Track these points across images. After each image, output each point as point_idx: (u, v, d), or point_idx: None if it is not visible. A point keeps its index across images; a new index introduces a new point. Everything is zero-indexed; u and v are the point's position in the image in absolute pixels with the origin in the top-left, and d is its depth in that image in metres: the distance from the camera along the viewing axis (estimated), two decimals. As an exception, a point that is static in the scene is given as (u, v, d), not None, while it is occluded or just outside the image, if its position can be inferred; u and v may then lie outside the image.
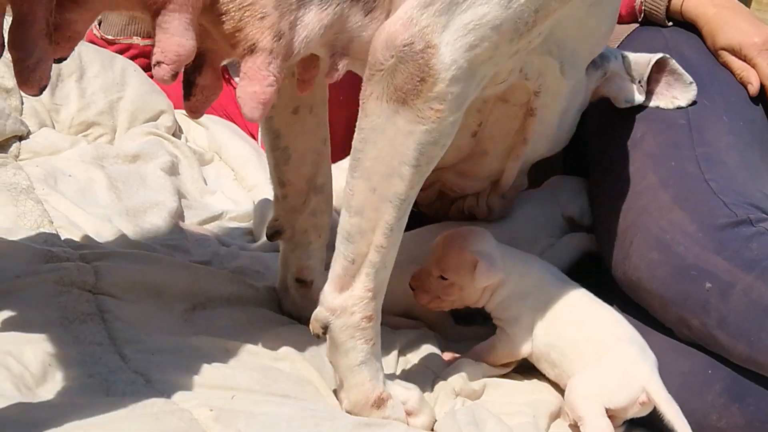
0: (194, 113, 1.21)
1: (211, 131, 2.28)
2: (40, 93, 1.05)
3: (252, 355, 1.34)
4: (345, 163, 1.53)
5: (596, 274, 1.63)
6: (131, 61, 2.28)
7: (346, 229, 1.23)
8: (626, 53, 1.66)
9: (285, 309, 1.55)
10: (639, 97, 1.65)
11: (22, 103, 2.03)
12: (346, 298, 1.25)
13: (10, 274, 1.37)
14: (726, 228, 1.43)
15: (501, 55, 1.25)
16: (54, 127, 2.09)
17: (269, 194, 2.03)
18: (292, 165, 1.48)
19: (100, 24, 2.41)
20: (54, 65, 1.07)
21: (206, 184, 2.14)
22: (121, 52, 2.33)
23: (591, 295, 1.47)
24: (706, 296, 1.39)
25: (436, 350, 1.54)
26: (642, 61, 1.65)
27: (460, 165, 1.62)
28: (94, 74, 2.16)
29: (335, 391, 1.32)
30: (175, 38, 1.08)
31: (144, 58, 2.36)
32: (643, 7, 1.84)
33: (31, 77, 1.02)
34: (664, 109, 1.65)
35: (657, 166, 1.57)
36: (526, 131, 1.56)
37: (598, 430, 1.32)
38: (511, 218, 1.71)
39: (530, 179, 1.77)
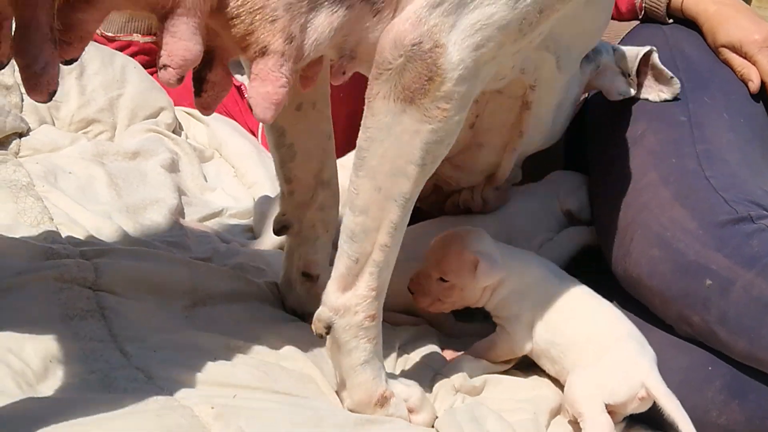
0: (206, 110, 1.21)
1: (212, 128, 2.28)
2: (50, 99, 1.05)
3: (254, 352, 1.34)
4: (344, 160, 1.53)
5: (596, 270, 1.63)
6: (131, 58, 2.28)
7: (351, 228, 1.23)
8: (617, 46, 1.67)
9: (288, 305, 1.55)
10: (630, 90, 1.66)
11: (22, 100, 2.03)
12: (350, 298, 1.25)
13: (10, 271, 1.37)
14: (726, 225, 1.43)
15: (504, 55, 1.25)
16: (54, 124, 2.09)
17: (269, 191, 2.04)
18: (298, 161, 1.48)
19: (100, 21, 2.41)
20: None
21: (206, 181, 2.14)
22: (121, 49, 2.32)
23: (590, 291, 1.47)
24: (706, 293, 1.39)
25: (436, 347, 1.54)
26: (631, 54, 1.66)
27: (456, 157, 1.62)
28: (94, 71, 2.16)
29: (336, 391, 1.32)
30: (183, 42, 1.08)
31: (144, 55, 2.36)
32: (643, 5, 1.85)
33: (39, 83, 1.02)
34: (664, 106, 1.65)
35: (658, 163, 1.57)
36: (522, 124, 1.57)
37: (598, 425, 1.32)
38: (508, 212, 1.71)
39: (531, 175, 1.77)
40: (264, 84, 1.14)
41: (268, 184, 2.11)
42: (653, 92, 1.67)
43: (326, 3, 1.15)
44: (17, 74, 2.03)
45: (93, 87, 2.14)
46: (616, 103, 1.70)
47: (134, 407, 1.10)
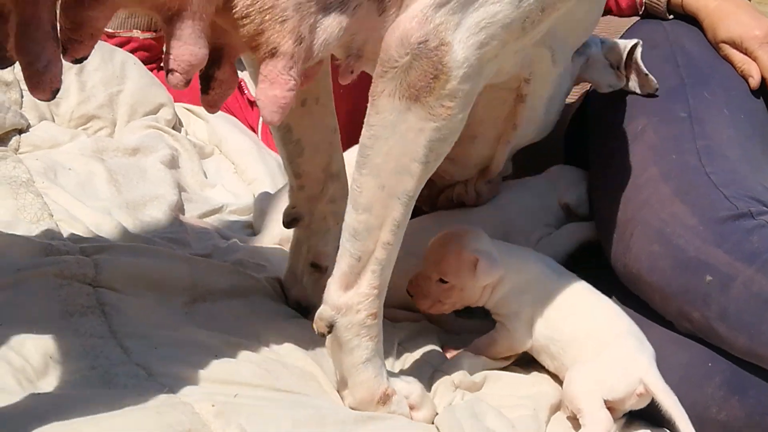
0: (212, 107, 1.21)
1: (211, 124, 2.28)
2: (53, 97, 1.04)
3: (255, 349, 1.34)
4: (346, 155, 1.53)
5: (596, 265, 1.63)
6: (131, 54, 2.28)
7: (353, 227, 1.23)
8: (605, 39, 1.67)
9: (292, 298, 1.55)
10: (619, 82, 1.67)
11: (22, 97, 2.03)
12: (352, 296, 1.25)
13: (10, 268, 1.37)
14: (727, 221, 1.43)
15: (506, 53, 1.26)
16: (54, 121, 2.09)
17: (269, 187, 2.04)
18: (306, 156, 1.48)
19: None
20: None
21: (206, 178, 2.14)
22: (120, 45, 2.32)
23: (589, 286, 1.47)
24: (706, 289, 1.39)
25: (435, 343, 1.54)
26: (618, 47, 1.66)
27: (450, 151, 1.62)
28: (93, 67, 2.15)
29: (337, 389, 1.32)
30: (188, 47, 1.08)
31: (144, 51, 2.35)
32: (644, 0, 1.84)
33: (42, 81, 1.02)
34: (664, 101, 1.65)
35: (658, 158, 1.56)
36: (516, 117, 1.57)
37: (597, 421, 1.32)
38: (505, 206, 1.71)
39: (531, 170, 1.77)
40: (272, 87, 1.14)
41: (268, 181, 2.11)
42: (634, 85, 1.68)
43: (335, 3, 1.15)
44: (17, 71, 2.03)
45: (93, 83, 2.14)
46: (616, 99, 1.69)
47: (134, 404, 1.10)
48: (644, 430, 1.39)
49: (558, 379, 1.45)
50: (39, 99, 1.06)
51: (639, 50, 1.65)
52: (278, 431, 1.14)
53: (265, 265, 1.70)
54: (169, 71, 1.09)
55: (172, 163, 2.05)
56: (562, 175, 1.76)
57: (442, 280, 1.46)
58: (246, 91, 2.33)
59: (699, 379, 1.39)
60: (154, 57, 2.39)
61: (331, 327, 1.25)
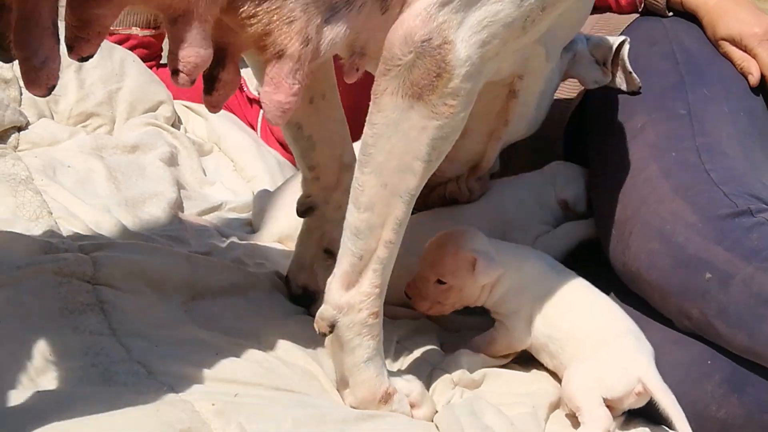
0: (215, 108, 1.21)
1: (211, 122, 2.27)
2: (49, 93, 1.04)
3: (255, 348, 1.34)
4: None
5: (595, 263, 1.63)
6: (130, 52, 2.27)
7: (355, 225, 1.23)
8: (590, 35, 1.68)
9: (299, 283, 1.55)
10: (605, 78, 1.67)
11: (21, 94, 2.03)
12: (353, 295, 1.25)
13: (9, 265, 1.37)
14: (726, 218, 1.43)
15: (506, 51, 1.26)
16: (53, 118, 2.09)
17: (268, 185, 2.04)
18: (319, 150, 1.49)
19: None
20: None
21: (205, 175, 2.14)
22: (119, 42, 2.32)
23: (588, 284, 1.47)
24: (706, 286, 1.39)
25: (434, 341, 1.54)
26: (605, 44, 1.66)
27: None
28: (92, 65, 2.15)
29: (337, 388, 1.32)
30: (193, 48, 1.08)
31: (143, 49, 2.35)
32: (643, -3, 1.84)
33: (38, 77, 1.02)
34: (664, 99, 1.65)
35: (657, 156, 1.56)
36: (508, 112, 1.57)
37: (596, 419, 1.32)
38: (502, 205, 1.71)
39: (530, 167, 1.77)
40: (277, 91, 1.15)
41: (267, 178, 2.11)
42: (620, 83, 1.68)
43: (342, 2, 1.15)
44: (16, 68, 2.02)
45: (92, 80, 2.14)
46: (615, 97, 1.69)
47: (134, 402, 1.11)
48: (643, 427, 1.39)
49: (557, 378, 1.45)
50: (35, 95, 1.06)
51: (626, 47, 1.65)
52: (278, 430, 1.14)
53: (263, 262, 1.70)
54: (174, 71, 1.10)
55: (171, 161, 2.05)
56: (559, 172, 1.75)
57: (440, 281, 1.46)
58: (245, 89, 2.33)
59: (698, 377, 1.39)
60: (153, 54, 2.39)
61: (332, 326, 1.25)
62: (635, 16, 1.87)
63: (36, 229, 1.57)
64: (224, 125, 2.26)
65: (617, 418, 1.37)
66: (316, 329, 1.27)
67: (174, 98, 2.28)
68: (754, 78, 1.70)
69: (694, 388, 1.38)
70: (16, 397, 1.09)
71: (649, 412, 1.37)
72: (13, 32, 1.01)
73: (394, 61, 1.18)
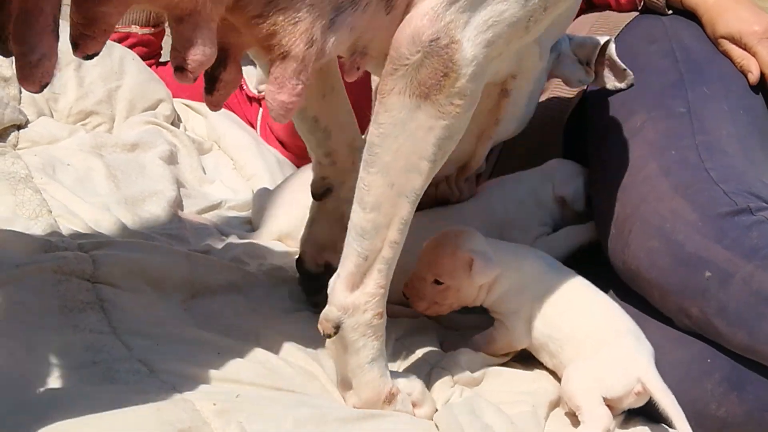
0: (215, 107, 1.21)
1: (210, 120, 2.27)
2: (41, 90, 1.04)
3: (256, 347, 1.34)
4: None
5: (594, 262, 1.63)
6: (129, 50, 2.27)
7: (361, 226, 1.23)
8: (572, 35, 1.68)
9: (316, 264, 1.55)
10: (588, 78, 1.68)
11: (21, 92, 2.03)
12: (358, 296, 1.24)
13: (8, 264, 1.37)
14: (726, 217, 1.42)
15: (509, 51, 1.27)
16: (52, 116, 2.08)
17: (268, 183, 2.04)
18: (334, 138, 1.50)
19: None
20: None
21: (205, 173, 2.14)
22: (119, 40, 2.31)
23: (588, 283, 1.47)
24: (705, 285, 1.39)
25: (434, 339, 1.54)
26: (589, 43, 1.67)
27: None
28: (92, 63, 2.15)
29: (339, 389, 1.32)
30: (198, 47, 1.08)
31: (142, 47, 2.35)
32: (643, -5, 1.84)
33: (33, 73, 1.01)
34: (663, 97, 1.65)
35: (657, 154, 1.56)
36: (500, 111, 1.58)
37: (596, 418, 1.32)
38: (500, 203, 1.71)
39: (529, 166, 1.76)
40: (281, 91, 1.15)
41: (267, 177, 2.11)
42: (609, 82, 1.70)
43: (347, 2, 1.15)
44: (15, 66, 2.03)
45: (91, 79, 2.14)
46: (615, 96, 1.69)
47: (136, 400, 1.10)
48: (643, 426, 1.39)
49: (557, 376, 1.45)
50: (27, 90, 1.06)
51: (612, 46, 1.65)
52: (279, 430, 1.14)
53: (263, 261, 1.70)
54: (177, 69, 1.09)
55: (171, 159, 2.05)
56: (557, 169, 1.75)
57: (437, 282, 1.45)
58: (245, 87, 2.32)
59: (698, 376, 1.39)
60: (152, 52, 2.39)
61: (337, 328, 1.25)
62: (635, 14, 1.87)
63: (35, 228, 1.57)
64: (224, 124, 2.26)
65: (617, 417, 1.37)
66: (321, 330, 1.26)
67: (173, 96, 2.28)
68: (754, 76, 1.70)
69: (694, 386, 1.38)
70: (18, 396, 1.09)
71: (649, 411, 1.37)
72: (13, 25, 1.01)
73: (401, 61, 1.18)
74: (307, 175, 1.63)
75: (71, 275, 1.38)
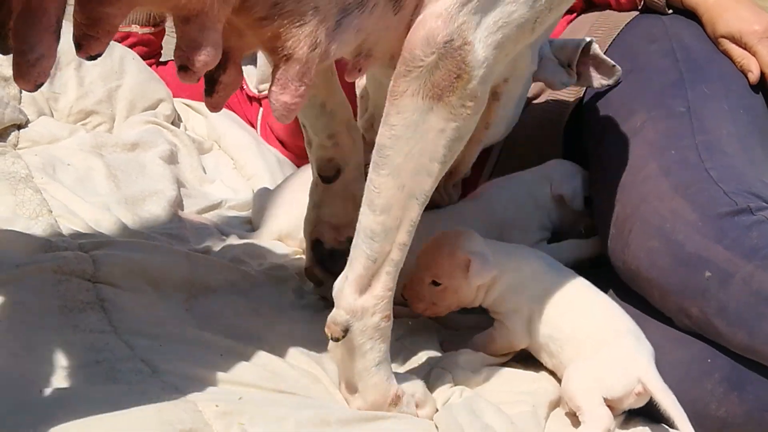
0: (215, 108, 1.21)
1: (211, 120, 2.27)
2: (35, 89, 1.04)
3: (258, 348, 1.34)
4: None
5: (594, 262, 1.63)
6: (130, 50, 2.27)
7: (371, 228, 1.23)
8: (552, 39, 1.68)
9: (338, 241, 1.55)
10: (571, 80, 1.68)
11: (21, 92, 2.03)
12: (367, 299, 1.24)
13: (8, 264, 1.38)
14: (726, 217, 1.42)
15: (513, 53, 1.27)
16: (52, 116, 2.09)
17: (268, 183, 2.04)
18: (337, 119, 1.50)
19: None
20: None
21: (205, 173, 2.14)
22: (119, 40, 2.31)
23: (588, 284, 1.47)
24: (705, 285, 1.39)
25: (434, 339, 1.54)
26: (569, 45, 1.67)
27: None
28: (92, 63, 2.14)
29: (343, 393, 1.31)
30: (204, 48, 1.08)
31: (142, 47, 2.35)
32: (643, -5, 1.84)
33: (29, 72, 1.01)
34: (663, 97, 1.65)
35: (657, 154, 1.56)
36: (490, 115, 1.58)
37: (597, 419, 1.32)
38: (499, 204, 1.70)
39: (529, 167, 1.76)
40: (283, 92, 1.15)
41: (267, 176, 2.11)
42: (595, 81, 1.70)
43: (354, 4, 1.14)
44: (15, 66, 2.03)
45: (91, 78, 2.14)
46: (615, 95, 1.69)
47: (138, 401, 1.10)
48: (643, 427, 1.39)
49: (557, 376, 1.45)
50: (20, 87, 1.06)
51: (595, 46, 1.66)
52: (281, 432, 1.14)
53: (263, 261, 1.70)
54: (181, 68, 1.09)
55: (171, 159, 2.05)
56: (556, 169, 1.75)
57: (435, 283, 1.45)
58: (245, 87, 2.32)
59: (698, 376, 1.39)
60: (152, 52, 2.39)
61: (346, 331, 1.24)
62: (635, 13, 1.87)
63: (36, 228, 1.57)
64: (224, 123, 2.26)
65: (617, 418, 1.36)
66: (328, 334, 1.25)
67: (174, 96, 2.28)
68: (754, 75, 1.70)
69: (694, 386, 1.38)
70: (19, 396, 1.09)
71: (650, 411, 1.37)
72: (13, 21, 1.00)
73: (415, 63, 1.18)
74: (307, 175, 1.63)
75: (71, 275, 1.38)
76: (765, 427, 1.35)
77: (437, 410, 1.31)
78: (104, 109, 2.14)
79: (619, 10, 1.91)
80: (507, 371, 1.46)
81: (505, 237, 1.62)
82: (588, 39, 1.67)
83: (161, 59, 2.43)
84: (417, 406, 1.30)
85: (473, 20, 1.18)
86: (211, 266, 1.56)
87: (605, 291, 1.50)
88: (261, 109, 2.31)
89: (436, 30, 1.17)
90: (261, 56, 2.13)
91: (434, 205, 1.69)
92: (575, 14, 1.98)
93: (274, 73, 1.16)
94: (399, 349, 1.48)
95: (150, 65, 2.32)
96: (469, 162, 1.66)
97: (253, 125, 2.33)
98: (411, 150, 1.20)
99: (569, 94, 1.81)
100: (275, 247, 1.79)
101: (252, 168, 2.15)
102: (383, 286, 1.24)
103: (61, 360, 1.20)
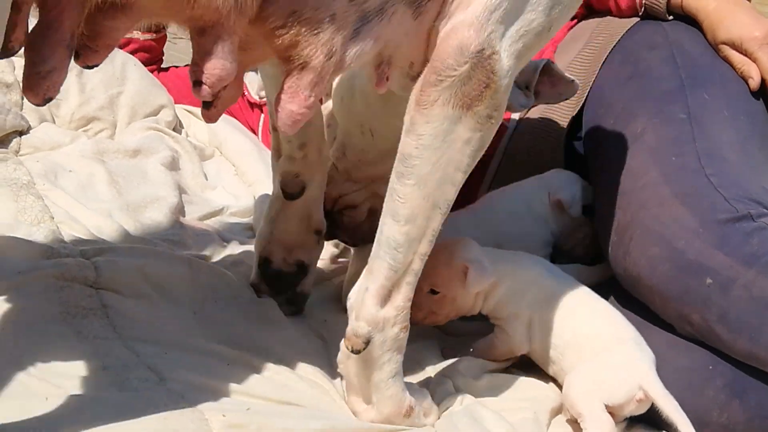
0: (212, 120, 1.20)
1: (212, 126, 2.27)
2: (44, 104, 1.03)
3: (264, 358, 1.34)
4: None
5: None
6: (131, 56, 2.28)
7: (395, 239, 1.22)
8: None
9: (287, 263, 1.55)
10: (529, 101, 1.67)
11: (23, 98, 2.03)
12: (389, 310, 1.23)
13: (10, 270, 1.38)
14: (727, 223, 1.42)
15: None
16: (54, 122, 2.09)
17: (269, 189, 2.04)
18: (313, 126, 1.49)
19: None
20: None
21: (207, 179, 2.14)
22: (121, 46, 2.32)
23: (588, 290, 1.47)
24: (706, 292, 1.39)
25: (435, 346, 1.54)
26: (527, 68, 1.63)
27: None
28: (94, 69, 2.15)
29: (352, 406, 1.30)
30: (220, 60, 1.06)
31: (144, 53, 2.35)
32: (643, 1, 1.84)
33: (39, 84, 1.00)
34: (663, 103, 1.65)
35: (657, 161, 1.56)
36: None
37: (599, 424, 1.32)
38: (498, 215, 1.70)
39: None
40: (291, 101, 1.14)
41: (269, 183, 2.10)
42: (553, 98, 1.69)
43: (374, 11, 1.13)
44: (18, 72, 2.03)
45: (93, 85, 2.15)
46: (615, 102, 1.69)
47: (145, 409, 1.10)
48: (645, 432, 1.39)
49: (558, 383, 1.45)
50: (30, 101, 1.04)
51: (553, 65, 1.65)
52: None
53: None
54: (195, 83, 1.08)
55: (173, 165, 2.05)
56: (554, 177, 1.74)
57: (433, 291, 1.45)
58: (246, 93, 2.33)
59: (700, 383, 1.39)
60: (154, 58, 2.40)
61: (367, 343, 1.23)
62: (635, 20, 1.87)
63: (37, 234, 1.57)
64: (226, 129, 2.26)
65: (619, 424, 1.36)
66: (348, 347, 1.24)
67: (175, 102, 2.28)
68: (755, 82, 1.70)
69: (696, 393, 1.38)
70: (24, 403, 1.09)
71: (652, 418, 1.37)
72: (28, 34, 1.00)
73: (447, 72, 1.17)
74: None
75: (73, 281, 1.38)
76: (767, 433, 1.35)
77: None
78: (106, 115, 2.14)
79: (620, 17, 1.91)
80: (508, 378, 1.46)
81: (505, 247, 1.61)
82: (545, 60, 1.66)
83: (162, 65, 2.44)
84: (424, 416, 1.30)
85: (499, 30, 1.18)
86: (213, 273, 1.56)
87: (606, 298, 1.50)
88: (262, 115, 2.32)
89: (468, 39, 1.16)
90: (262, 63, 2.13)
91: None
92: (576, 21, 1.98)
93: (284, 81, 1.14)
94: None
95: (151, 71, 2.32)
96: None
97: (254, 131, 2.34)
98: (438, 159, 1.20)
99: (569, 103, 1.81)
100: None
101: (253, 174, 2.15)
102: (404, 297, 1.24)
103: (66, 367, 1.20)
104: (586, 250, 1.73)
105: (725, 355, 1.39)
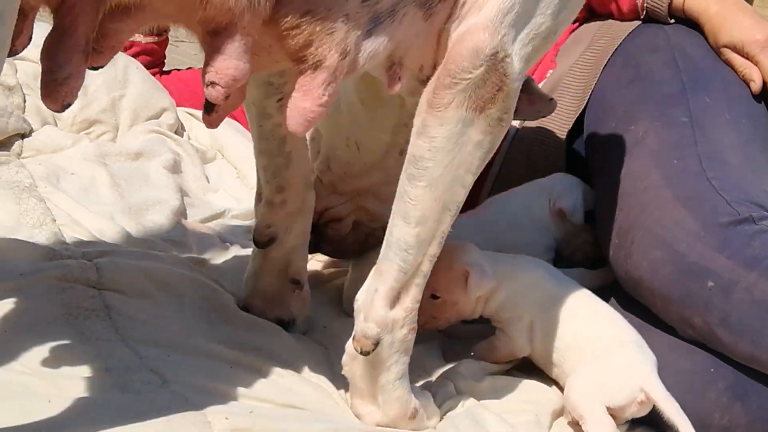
0: (212, 126, 1.18)
1: (213, 129, 2.27)
2: (63, 110, 1.03)
3: (267, 361, 1.34)
4: None
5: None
6: (133, 59, 2.28)
7: (405, 240, 1.22)
8: None
9: (274, 316, 1.50)
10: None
11: (25, 101, 2.04)
12: (398, 312, 1.23)
13: (13, 272, 1.38)
14: (728, 226, 1.43)
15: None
16: (56, 125, 2.09)
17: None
18: (292, 168, 1.47)
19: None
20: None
21: (208, 182, 2.14)
22: (123, 49, 2.32)
23: (589, 293, 1.47)
24: (708, 294, 1.39)
25: (436, 348, 1.54)
26: None
27: (383, 188, 1.57)
28: (96, 72, 2.14)
29: (356, 409, 1.30)
30: (233, 61, 1.06)
31: (146, 56, 2.36)
32: (645, 5, 1.84)
33: (57, 91, 1.00)
34: (665, 106, 1.65)
35: (659, 164, 1.56)
36: None
37: (601, 426, 1.32)
38: (494, 220, 1.70)
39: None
40: (304, 99, 1.13)
41: (270, 185, 2.10)
42: (530, 115, 1.68)
43: (385, 13, 1.13)
44: (20, 75, 2.04)
45: (95, 87, 2.15)
46: (617, 105, 1.69)
47: (147, 411, 1.10)
48: (646, 435, 1.39)
49: (560, 385, 1.45)
50: (48, 107, 1.03)
51: (532, 83, 1.63)
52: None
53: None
54: (209, 84, 1.07)
55: (175, 168, 2.05)
56: (556, 182, 1.74)
57: (434, 296, 1.45)
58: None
59: (702, 385, 1.39)
60: (156, 61, 2.40)
61: (376, 344, 1.23)
62: (637, 23, 1.87)
63: (40, 236, 1.57)
64: (227, 132, 2.26)
65: (620, 427, 1.36)
66: (357, 348, 1.23)
67: (177, 105, 2.28)
68: (756, 85, 1.70)
69: (698, 396, 1.38)
70: (27, 405, 1.09)
71: (653, 421, 1.37)
72: (44, 42, 1.00)
73: (462, 75, 1.17)
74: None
75: (75, 283, 1.38)
76: (768, 436, 1.35)
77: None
78: (108, 118, 2.14)
79: (622, 20, 1.91)
80: (509, 380, 1.46)
81: (506, 251, 1.60)
82: (525, 76, 1.66)
83: (164, 68, 2.44)
84: (426, 418, 1.30)
85: (511, 33, 1.18)
86: (215, 275, 1.56)
87: (607, 300, 1.50)
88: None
89: (483, 42, 1.17)
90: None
91: None
92: (578, 24, 1.98)
93: (297, 81, 1.13)
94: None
95: (153, 74, 2.32)
96: None
97: (256, 134, 2.33)
98: (450, 162, 1.20)
99: (570, 106, 1.81)
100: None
101: (255, 177, 2.14)
102: (412, 299, 1.24)
103: (69, 368, 1.20)
104: (585, 256, 1.72)
105: (727, 358, 1.39)
